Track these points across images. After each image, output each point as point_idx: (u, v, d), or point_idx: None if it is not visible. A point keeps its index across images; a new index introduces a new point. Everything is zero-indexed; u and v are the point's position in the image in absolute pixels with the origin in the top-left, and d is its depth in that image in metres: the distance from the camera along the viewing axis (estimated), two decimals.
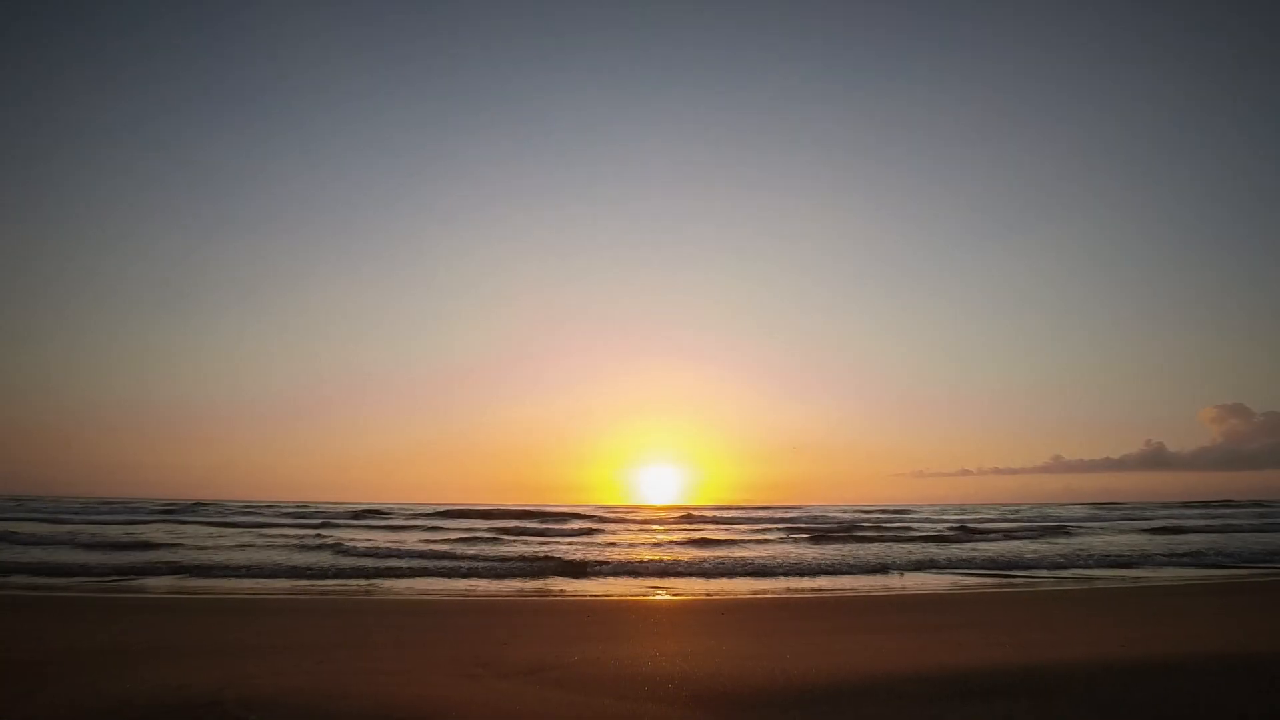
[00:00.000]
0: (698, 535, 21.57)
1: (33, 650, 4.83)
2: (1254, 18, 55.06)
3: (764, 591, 10.05)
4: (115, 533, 20.22)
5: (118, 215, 64.13)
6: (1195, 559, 14.16)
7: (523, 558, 14.57)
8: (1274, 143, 61.22)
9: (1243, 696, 3.54)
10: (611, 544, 18.80)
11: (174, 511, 37.11)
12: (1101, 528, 24.34)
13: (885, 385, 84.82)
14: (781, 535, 21.74)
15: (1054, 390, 79.97)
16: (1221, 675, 3.92)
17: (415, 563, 13.51)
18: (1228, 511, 41.61)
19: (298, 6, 54.98)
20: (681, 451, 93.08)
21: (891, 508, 57.25)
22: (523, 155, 67.98)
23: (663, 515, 39.86)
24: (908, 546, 18.30)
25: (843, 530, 25.43)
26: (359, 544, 17.07)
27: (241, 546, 16.58)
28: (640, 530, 26.00)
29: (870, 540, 20.34)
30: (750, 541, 19.82)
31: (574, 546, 17.72)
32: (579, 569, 12.99)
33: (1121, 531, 22.06)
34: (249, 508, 44.72)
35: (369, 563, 13.59)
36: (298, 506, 51.66)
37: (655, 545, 18.77)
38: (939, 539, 20.69)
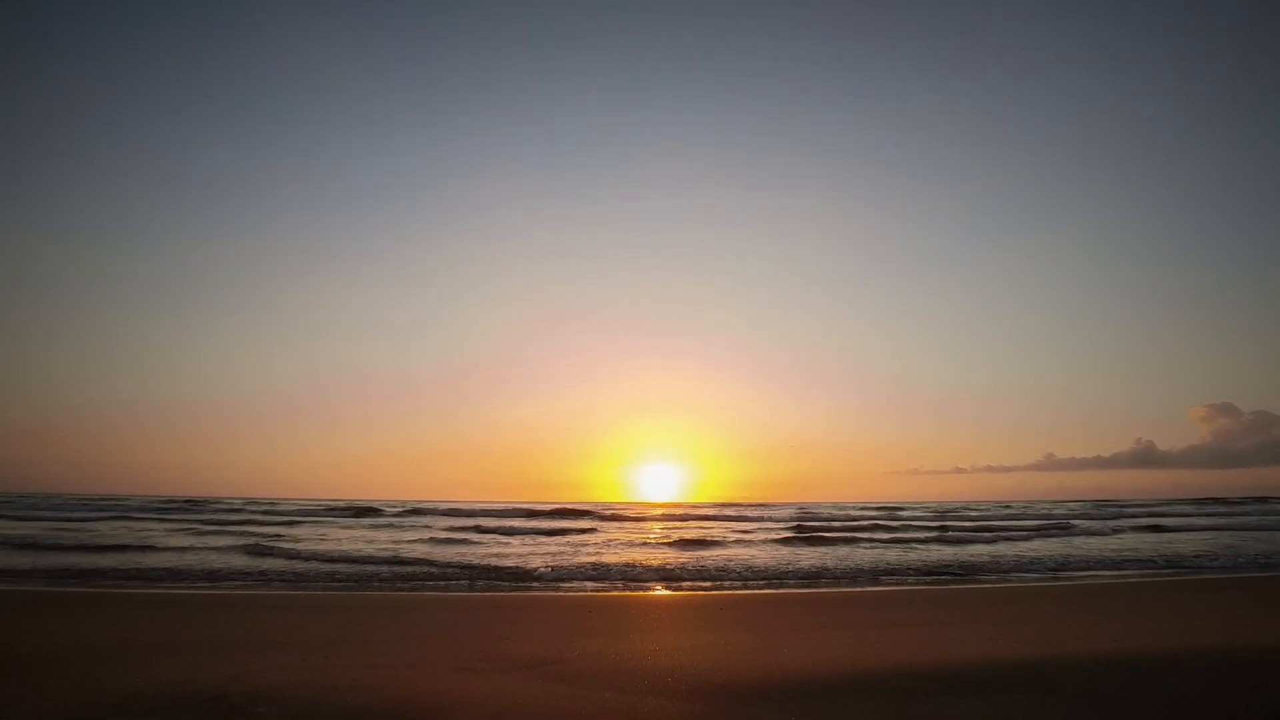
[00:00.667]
0: (674, 537, 19.88)
1: (41, 646, 4.87)
2: (1245, 18, 55.20)
3: (761, 588, 10.13)
4: (37, 530, 19.33)
5: (121, 216, 64.52)
6: (1191, 558, 14.26)
7: (454, 564, 12.84)
8: (1265, 143, 61.67)
9: (1231, 692, 3.61)
10: (583, 546, 17.59)
11: (134, 508, 36.60)
12: (1092, 526, 24.49)
13: (881, 384, 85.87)
14: (770, 537, 21.51)
15: (1047, 389, 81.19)
16: (1210, 671, 4.00)
17: (320, 567, 12.08)
18: (1221, 509, 41.95)
19: (298, 10, 55.02)
20: (681, 450, 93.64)
21: (888, 505, 57.58)
22: (524, 157, 68.46)
23: (655, 513, 39.94)
24: (903, 544, 18.45)
25: (838, 527, 25.59)
26: (283, 545, 15.70)
27: (146, 549, 15.00)
28: (623, 529, 24.97)
29: (864, 536, 20.47)
30: (729, 541, 19.61)
31: (526, 550, 16.12)
32: (520, 577, 11.41)
33: (1118, 531, 22.17)
34: (236, 507, 44.51)
35: (277, 564, 12.34)
36: (268, 504, 51.55)
37: (632, 546, 17.35)
38: (937, 539, 20.81)
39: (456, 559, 13.76)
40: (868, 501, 70.12)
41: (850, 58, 61.77)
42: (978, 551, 15.86)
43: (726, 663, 4.37)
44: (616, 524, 29.10)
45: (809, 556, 14.48)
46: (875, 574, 11.98)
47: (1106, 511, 39.11)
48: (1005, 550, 16.08)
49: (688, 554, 15.26)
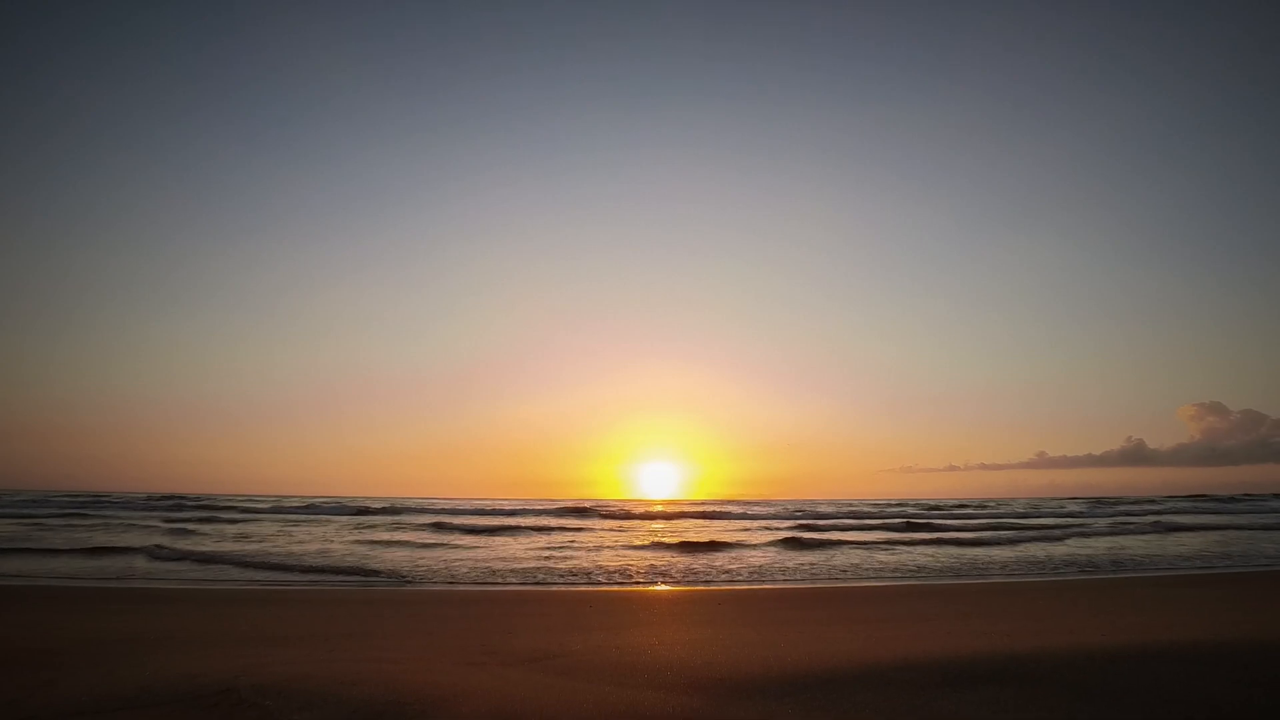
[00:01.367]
0: (649, 540, 18.18)
1: (51, 640, 4.95)
2: (1237, 23, 55.41)
3: (757, 584, 10.23)
4: None
5: (125, 216, 64.75)
6: (1219, 558, 14.24)
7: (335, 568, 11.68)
8: (1256, 146, 62.11)
9: (1218, 684, 3.68)
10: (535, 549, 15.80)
11: (104, 503, 36.49)
12: (1099, 525, 24.62)
13: (876, 383, 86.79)
14: (767, 537, 21.52)
15: (1039, 388, 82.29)
16: (1196, 663, 4.08)
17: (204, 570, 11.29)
18: (1222, 506, 42.18)
19: (302, 14, 55.08)
20: (680, 447, 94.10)
21: (883, 502, 57.95)
22: (527, 161, 68.70)
23: (638, 510, 39.81)
24: (902, 545, 18.57)
25: (835, 525, 25.73)
26: (179, 545, 14.85)
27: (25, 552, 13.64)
28: (599, 530, 22.72)
29: (864, 536, 20.59)
30: (728, 543, 19.73)
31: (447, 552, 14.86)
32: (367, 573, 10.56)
33: (1126, 531, 22.22)
34: (219, 502, 44.40)
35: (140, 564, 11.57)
36: (192, 497, 51.17)
37: (619, 546, 16.15)
38: (938, 541, 20.93)
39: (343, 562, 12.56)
40: (864, 499, 70.46)
41: (848, 58, 61.87)
42: (980, 554, 15.99)
43: (724, 657, 4.44)
44: (576, 525, 28.06)
45: (805, 553, 14.59)
46: (870, 570, 12.09)
47: (1099, 509, 39.27)
48: (1006, 553, 16.20)
49: (684, 553, 15.36)
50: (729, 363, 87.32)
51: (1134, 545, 16.31)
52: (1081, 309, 76.83)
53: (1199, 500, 50.14)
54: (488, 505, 45.91)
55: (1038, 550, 15.16)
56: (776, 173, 70.62)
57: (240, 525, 23.43)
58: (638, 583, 10.26)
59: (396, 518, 28.76)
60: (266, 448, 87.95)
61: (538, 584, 10.14)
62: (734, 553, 14.73)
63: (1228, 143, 62.89)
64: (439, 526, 23.10)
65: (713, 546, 16.04)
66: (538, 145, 68.75)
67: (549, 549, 15.70)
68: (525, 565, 12.35)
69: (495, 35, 61.44)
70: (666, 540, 18.14)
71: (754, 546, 16.08)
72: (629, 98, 64.24)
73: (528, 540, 18.50)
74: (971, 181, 70.28)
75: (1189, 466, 75.18)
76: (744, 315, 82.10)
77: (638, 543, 17.59)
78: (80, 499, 43.84)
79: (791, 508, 43.10)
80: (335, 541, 17.37)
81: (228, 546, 15.65)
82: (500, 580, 10.52)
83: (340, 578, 10.95)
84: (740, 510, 38.25)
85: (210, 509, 34.17)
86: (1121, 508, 39.67)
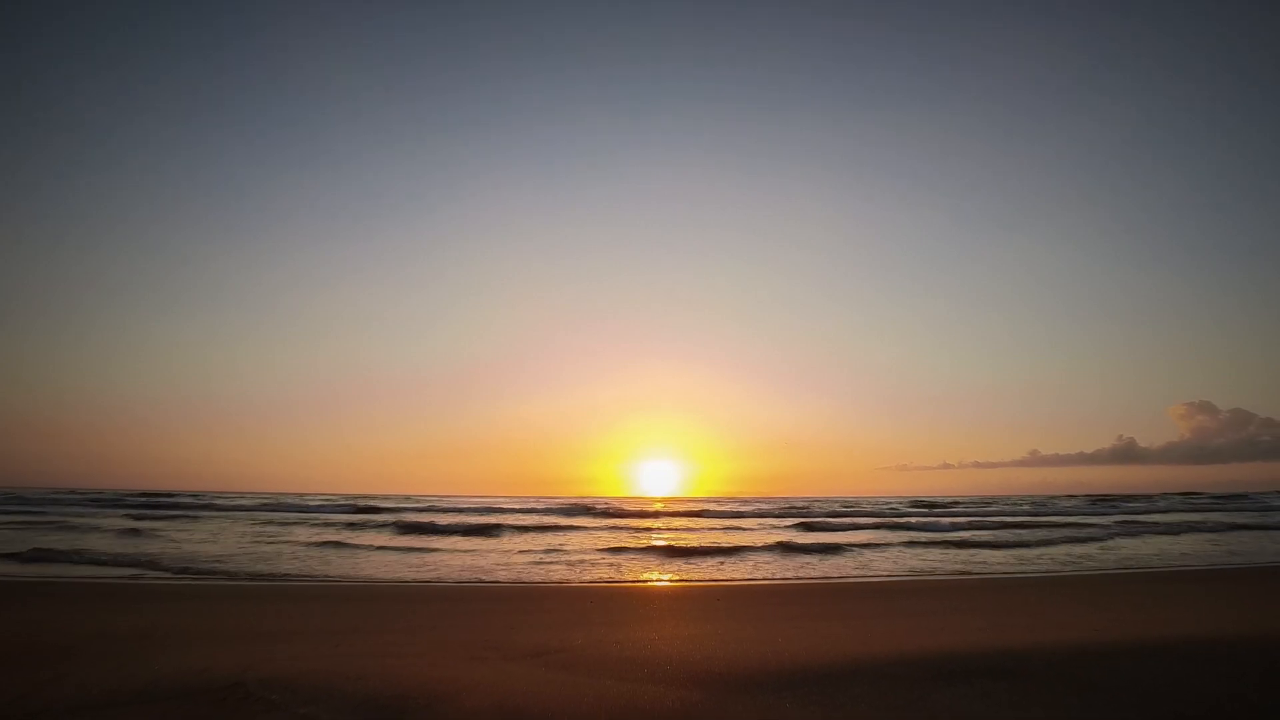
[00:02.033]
0: (649, 537, 18.34)
1: (63, 635, 5.01)
2: (1232, 26, 55.41)
3: (756, 579, 10.31)
4: None
5: (126, 218, 64.80)
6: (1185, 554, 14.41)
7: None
8: (1249, 148, 62.27)
9: (1211, 679, 3.75)
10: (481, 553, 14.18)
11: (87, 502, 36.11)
12: (1099, 524, 24.71)
13: (872, 383, 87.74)
14: (766, 535, 21.48)
15: (1031, 388, 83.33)
16: (1188, 659, 4.14)
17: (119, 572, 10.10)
18: (1204, 502, 42.33)
19: (307, 18, 55.18)
20: (680, 446, 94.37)
21: (879, 499, 58.17)
22: (527, 162, 69.06)
23: (631, 509, 39.97)
24: (904, 543, 18.65)
25: (832, 523, 25.82)
26: (97, 548, 13.33)
27: None
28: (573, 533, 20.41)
29: (860, 537, 20.66)
30: (725, 541, 19.75)
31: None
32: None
33: (1130, 533, 22.21)
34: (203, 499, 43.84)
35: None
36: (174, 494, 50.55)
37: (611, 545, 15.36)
38: (945, 543, 21.00)
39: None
40: (862, 495, 70.65)
41: (847, 62, 62.10)
42: (973, 551, 16.07)
43: (723, 652, 4.51)
44: (575, 523, 27.93)
45: (803, 550, 14.67)
46: (866, 566, 12.17)
47: (1093, 507, 39.39)
48: (999, 551, 16.27)
49: (683, 550, 15.42)
50: (729, 362, 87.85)
51: (1130, 543, 16.41)
52: (1074, 310, 78.04)
53: (1191, 498, 50.39)
54: (488, 503, 45.98)
55: (1035, 551, 15.26)
56: (775, 174, 71.08)
57: (202, 524, 21.83)
58: (638, 578, 10.34)
59: (357, 516, 26.73)
60: (267, 446, 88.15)
61: (538, 580, 10.21)
62: (732, 549, 14.81)
63: (1220, 146, 63.44)
64: (407, 527, 20.89)
65: (711, 543, 16.12)
66: (538, 147, 69.10)
67: (549, 546, 15.75)
68: (525, 562, 12.39)
69: (496, 39, 61.77)
70: (665, 537, 18.22)
71: (752, 544, 16.16)
72: (629, 100, 64.68)
73: (528, 538, 18.50)
74: (967, 184, 71.07)
75: (1179, 465, 76.20)
76: (743, 315, 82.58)
77: (637, 540, 17.67)
78: (50, 496, 43.54)
79: (789, 505, 43.24)
80: (265, 541, 15.90)
81: (136, 549, 13.73)
82: (500, 579, 10.47)
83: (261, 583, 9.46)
84: (738, 507, 38.38)
85: (185, 507, 33.02)
86: (1119, 505, 39.87)
